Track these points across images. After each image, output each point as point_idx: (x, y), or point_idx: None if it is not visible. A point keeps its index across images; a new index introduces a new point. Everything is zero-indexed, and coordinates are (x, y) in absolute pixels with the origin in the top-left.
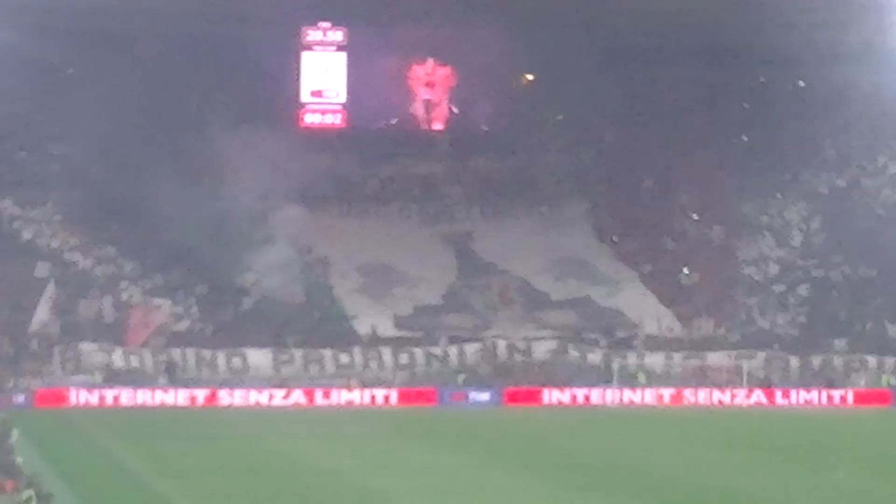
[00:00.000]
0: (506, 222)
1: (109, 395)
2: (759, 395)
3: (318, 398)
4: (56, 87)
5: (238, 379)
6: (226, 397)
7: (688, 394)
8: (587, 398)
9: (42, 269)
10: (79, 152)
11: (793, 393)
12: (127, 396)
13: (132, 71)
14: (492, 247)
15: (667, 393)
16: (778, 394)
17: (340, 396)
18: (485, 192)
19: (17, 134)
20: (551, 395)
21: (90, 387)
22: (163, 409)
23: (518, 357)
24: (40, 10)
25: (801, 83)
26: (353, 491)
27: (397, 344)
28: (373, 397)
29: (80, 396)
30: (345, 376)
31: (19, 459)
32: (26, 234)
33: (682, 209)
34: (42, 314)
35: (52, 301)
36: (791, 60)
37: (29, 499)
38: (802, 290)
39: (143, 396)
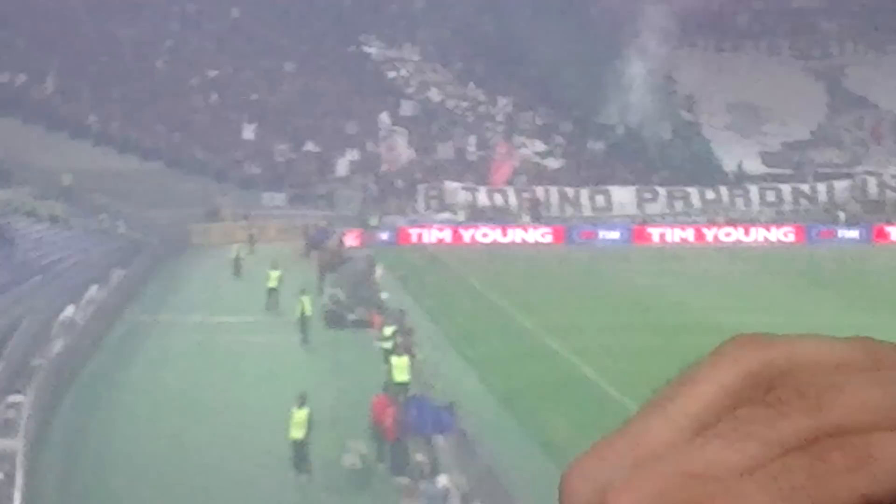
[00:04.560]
0: (880, 57)
1: (473, 233)
2: None
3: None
4: None
5: (601, 216)
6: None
7: None
8: None
9: (406, 108)
10: None
11: None
12: (488, 234)
13: None
14: (864, 81)
15: None
16: None
17: (709, 234)
18: (859, 25)
19: None
20: None
21: (454, 224)
22: (525, 247)
23: (889, 194)
24: None
25: None
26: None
27: (765, 181)
28: (739, 235)
29: (443, 234)
30: (710, 213)
31: (384, 295)
32: (391, 73)
33: None
34: (406, 152)
35: (415, 139)
36: None
37: (393, 333)
38: None
39: (507, 234)
